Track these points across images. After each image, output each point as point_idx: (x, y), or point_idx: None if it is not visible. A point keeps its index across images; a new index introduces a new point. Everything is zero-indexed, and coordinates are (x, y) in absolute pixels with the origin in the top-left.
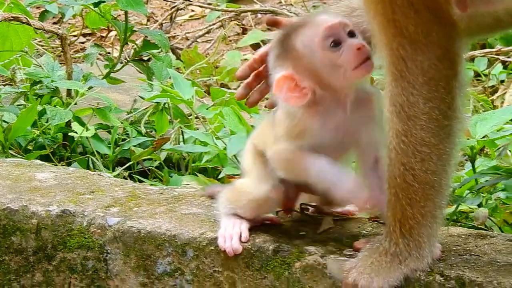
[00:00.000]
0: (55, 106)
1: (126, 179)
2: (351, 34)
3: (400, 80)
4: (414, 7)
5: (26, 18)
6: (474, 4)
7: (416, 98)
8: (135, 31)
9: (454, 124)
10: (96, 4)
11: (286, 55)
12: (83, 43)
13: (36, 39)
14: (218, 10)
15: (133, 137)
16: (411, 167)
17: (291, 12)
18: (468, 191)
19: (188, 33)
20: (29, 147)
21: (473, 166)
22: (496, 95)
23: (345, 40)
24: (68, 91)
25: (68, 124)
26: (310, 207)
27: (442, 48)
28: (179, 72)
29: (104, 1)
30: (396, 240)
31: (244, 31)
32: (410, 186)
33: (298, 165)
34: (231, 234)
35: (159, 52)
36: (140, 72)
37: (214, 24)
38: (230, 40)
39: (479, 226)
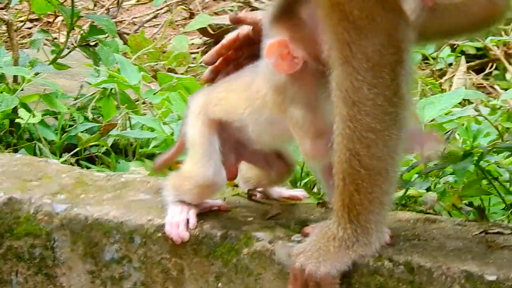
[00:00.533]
0: (1, 92)
1: (73, 165)
2: None
3: (345, 65)
4: None
5: None
6: None
7: (360, 83)
8: (82, 16)
9: (400, 110)
10: None
11: (285, 21)
12: (29, 28)
13: None
14: None
15: (80, 123)
16: (357, 152)
17: None
18: (417, 175)
19: (135, 18)
20: None
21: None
22: (444, 78)
23: None
24: (15, 77)
25: (14, 110)
26: (257, 193)
27: (386, 34)
28: (126, 57)
29: None
30: (344, 226)
31: (191, 15)
32: (357, 172)
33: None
34: (178, 222)
35: (106, 38)
36: (87, 58)
37: (161, 8)
38: (177, 25)
39: (427, 211)
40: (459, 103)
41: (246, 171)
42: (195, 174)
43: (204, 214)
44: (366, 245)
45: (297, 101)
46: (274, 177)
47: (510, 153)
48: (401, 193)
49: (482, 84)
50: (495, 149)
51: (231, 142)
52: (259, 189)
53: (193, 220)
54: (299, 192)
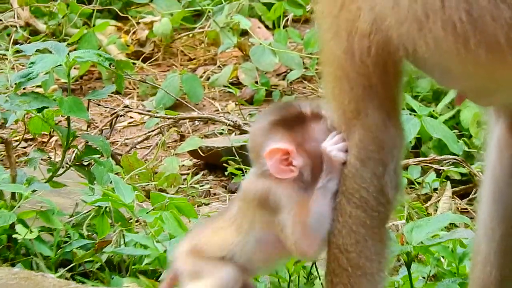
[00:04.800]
0: None
1: (69, 279)
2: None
3: None
4: None
5: None
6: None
7: (349, 174)
8: (77, 136)
9: (387, 212)
10: (39, 110)
11: (292, 130)
12: (24, 147)
13: None
14: (157, 117)
15: (75, 240)
16: (346, 249)
17: (228, 120)
18: None
19: (128, 139)
20: None
21: (409, 271)
22: (430, 202)
23: None
24: (12, 194)
25: (12, 226)
26: None
27: (370, 131)
28: (119, 177)
29: (48, 107)
30: None
31: (182, 137)
32: (344, 270)
33: None
34: None
35: (100, 157)
36: (81, 177)
37: (153, 130)
38: (169, 147)
39: None
40: (445, 227)
41: None
42: None
43: None
44: None
45: (281, 204)
46: None
47: None
48: None
49: (466, 209)
50: None
51: None
52: None
53: None
54: None
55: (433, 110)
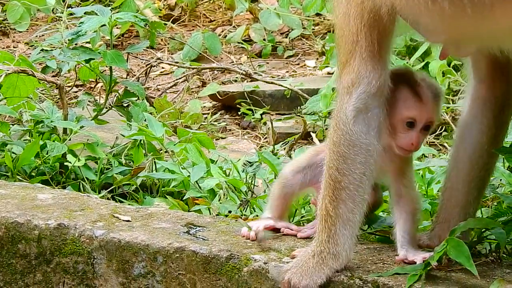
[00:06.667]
0: (53, 141)
1: (109, 199)
2: (426, 128)
3: None
4: None
5: (31, 71)
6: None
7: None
8: (118, 82)
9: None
10: (87, 61)
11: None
12: (76, 92)
13: (39, 88)
14: (183, 67)
15: (115, 167)
16: (329, 166)
17: (241, 70)
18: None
19: (159, 85)
20: (33, 174)
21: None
22: None
23: (416, 129)
24: (64, 130)
25: (64, 155)
26: None
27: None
28: (152, 116)
29: (94, 59)
30: (322, 238)
31: (204, 84)
32: (329, 184)
33: None
34: None
35: (137, 100)
36: (121, 115)
37: (180, 78)
38: (193, 91)
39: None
40: (418, 158)
41: None
42: None
43: (213, 239)
44: (335, 256)
45: None
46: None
47: None
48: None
49: (434, 142)
50: None
51: None
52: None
53: None
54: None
55: (407, 62)
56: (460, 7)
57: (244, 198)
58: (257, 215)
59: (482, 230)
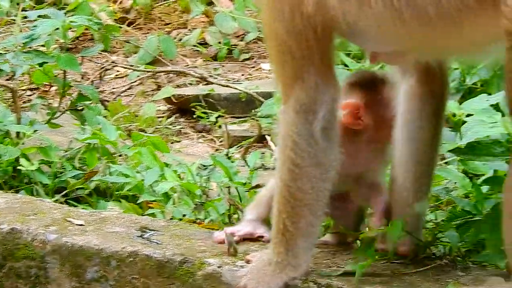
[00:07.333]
0: (6, 145)
1: (63, 204)
2: None
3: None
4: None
5: None
6: (383, 59)
7: (286, 120)
8: (72, 86)
9: (318, 152)
10: (41, 64)
11: (366, 90)
12: (29, 95)
13: None
14: (138, 71)
15: (69, 171)
16: (287, 184)
17: (196, 73)
18: None
19: (114, 88)
20: None
21: None
22: None
23: None
24: (17, 133)
25: (17, 159)
26: None
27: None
28: (106, 119)
29: (47, 62)
30: (279, 251)
31: (159, 87)
32: (287, 201)
33: None
34: None
35: (91, 103)
36: (75, 119)
37: (135, 81)
38: (147, 95)
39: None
40: None
41: None
42: None
43: (167, 242)
44: (295, 268)
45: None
46: None
47: None
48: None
49: None
50: None
51: None
52: None
53: None
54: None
55: (363, 65)
56: (429, 26)
57: (199, 202)
58: (212, 220)
59: (436, 233)
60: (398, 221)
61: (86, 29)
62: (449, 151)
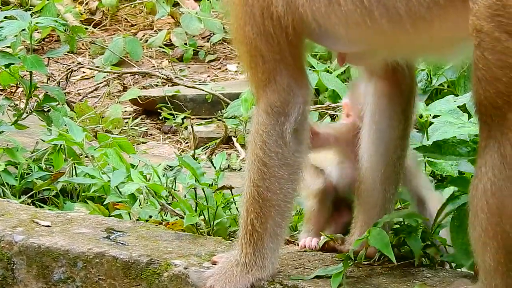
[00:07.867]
0: None
1: (29, 205)
2: None
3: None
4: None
5: None
6: (350, 60)
7: (259, 122)
8: (38, 87)
9: (286, 154)
10: (7, 66)
11: (353, 90)
12: None
13: None
14: (104, 72)
15: (35, 172)
16: (257, 184)
17: (162, 74)
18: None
19: (80, 90)
20: None
21: None
22: None
23: None
24: None
25: None
26: None
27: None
28: (72, 120)
29: (14, 63)
30: (246, 251)
31: (125, 88)
32: (256, 201)
33: None
34: None
35: (57, 105)
36: (41, 120)
37: (101, 83)
38: (114, 96)
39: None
40: None
41: None
42: None
43: (133, 244)
44: (262, 268)
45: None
46: None
47: None
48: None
49: None
50: None
51: None
52: None
53: None
54: None
55: (329, 66)
56: (399, 25)
57: (165, 203)
58: (177, 219)
59: (403, 236)
60: (379, 229)
61: (52, 30)
62: (415, 149)
